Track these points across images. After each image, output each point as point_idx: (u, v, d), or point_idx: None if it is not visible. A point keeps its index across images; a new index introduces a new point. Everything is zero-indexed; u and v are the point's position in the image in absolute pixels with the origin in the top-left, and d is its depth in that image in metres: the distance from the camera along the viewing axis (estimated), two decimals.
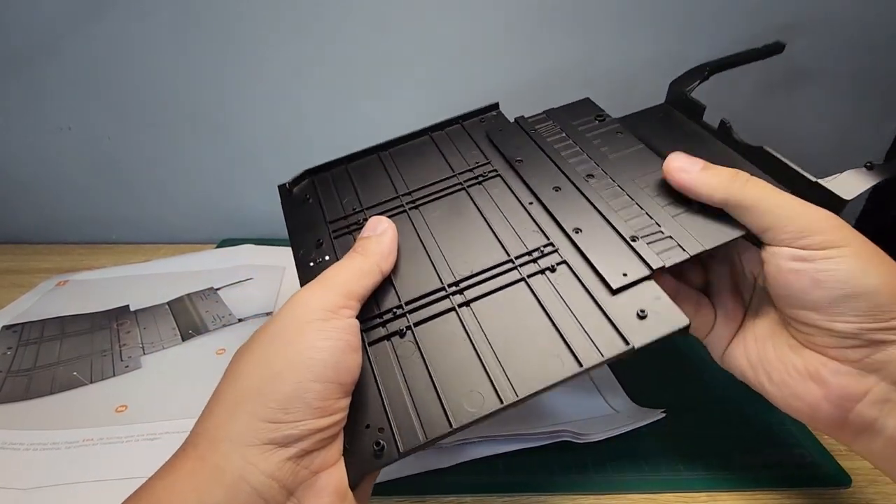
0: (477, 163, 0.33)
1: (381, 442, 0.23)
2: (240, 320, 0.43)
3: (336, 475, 0.22)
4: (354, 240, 0.30)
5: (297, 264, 0.31)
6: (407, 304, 0.26)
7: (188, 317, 0.44)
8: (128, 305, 0.46)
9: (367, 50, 0.49)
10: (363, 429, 0.23)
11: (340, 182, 0.34)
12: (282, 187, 0.35)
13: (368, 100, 0.51)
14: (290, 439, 0.20)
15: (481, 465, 0.32)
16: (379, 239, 0.28)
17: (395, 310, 0.26)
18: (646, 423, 0.34)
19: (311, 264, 0.30)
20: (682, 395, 0.36)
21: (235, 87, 0.51)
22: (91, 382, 0.37)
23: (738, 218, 0.26)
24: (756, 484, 0.31)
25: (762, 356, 0.27)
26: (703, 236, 0.27)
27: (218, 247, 0.57)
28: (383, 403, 0.24)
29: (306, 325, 0.22)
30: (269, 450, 0.20)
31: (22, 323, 0.43)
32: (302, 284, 0.29)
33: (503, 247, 0.28)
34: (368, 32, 0.48)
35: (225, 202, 0.59)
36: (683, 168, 0.28)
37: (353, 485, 0.22)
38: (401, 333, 0.26)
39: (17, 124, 0.53)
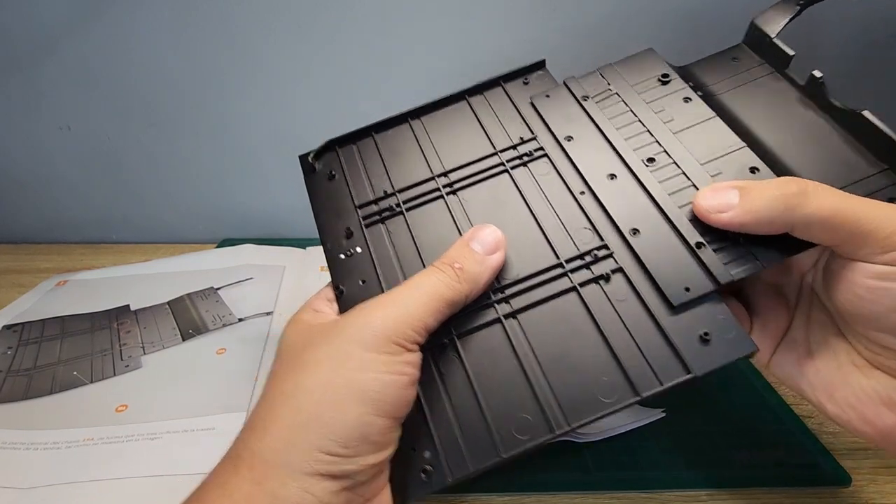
0: (521, 138, 0.29)
1: (429, 468, 0.21)
2: (240, 320, 0.43)
3: (385, 499, 0.22)
4: (388, 230, 0.28)
5: (326, 256, 0.28)
6: None
7: (188, 316, 0.44)
8: (128, 305, 0.46)
9: (367, 49, 0.49)
10: (409, 451, 0.22)
11: (368, 156, 0.31)
12: (303, 159, 0.32)
13: (368, 99, 0.51)
14: (347, 473, 0.20)
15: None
16: (485, 263, 0.24)
17: None
18: (646, 422, 0.33)
19: (342, 256, 0.27)
20: (682, 394, 0.36)
21: (235, 87, 0.51)
22: (91, 382, 0.37)
23: (802, 235, 0.22)
24: (756, 483, 0.31)
25: (821, 372, 0.24)
26: (779, 243, 0.23)
27: (218, 247, 0.57)
28: (428, 424, 0.22)
29: (374, 355, 0.21)
30: (327, 481, 0.20)
31: (22, 323, 0.43)
32: (334, 279, 0.27)
33: (552, 248, 0.25)
34: (368, 32, 0.48)
35: (225, 202, 0.59)
36: (717, 208, 0.23)
37: None
38: (442, 345, 0.24)
39: (16, 124, 0.53)
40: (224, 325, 0.43)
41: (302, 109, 0.52)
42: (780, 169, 0.25)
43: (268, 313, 0.44)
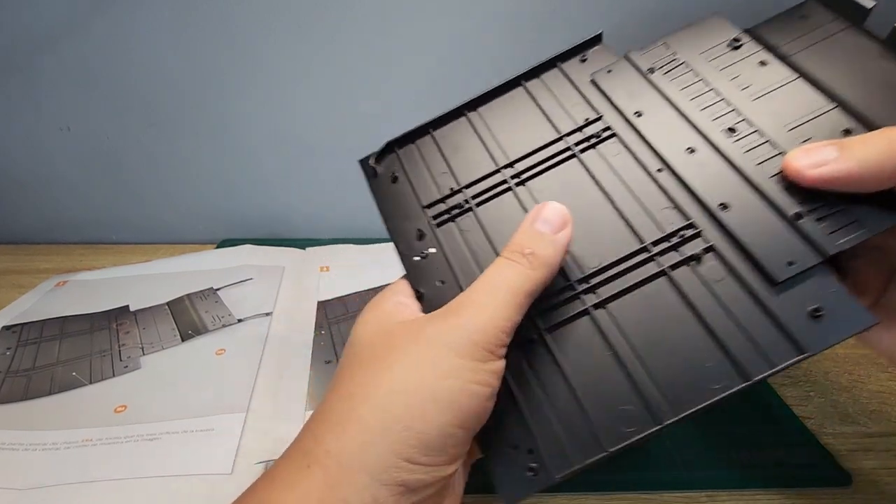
0: (586, 119, 0.28)
1: (534, 465, 0.21)
2: (239, 320, 0.43)
3: None
4: (460, 229, 0.27)
5: (401, 259, 0.27)
6: (532, 306, 0.22)
7: (188, 317, 0.44)
8: (127, 305, 0.46)
9: (367, 49, 0.49)
10: (510, 450, 0.21)
11: (428, 154, 0.30)
12: (364, 164, 0.31)
13: (368, 99, 0.51)
14: (420, 484, 0.19)
15: (480, 464, 0.32)
16: (555, 242, 0.22)
17: None
18: None
19: (416, 258, 0.27)
20: None
21: (235, 87, 0.51)
22: (90, 383, 0.37)
23: None
24: (756, 483, 0.31)
25: None
26: (885, 206, 0.21)
27: (218, 247, 0.57)
28: (527, 422, 0.21)
29: (464, 362, 0.20)
30: (399, 492, 0.19)
31: (21, 323, 0.43)
32: (412, 281, 0.26)
33: (634, 232, 0.24)
34: (368, 32, 0.48)
35: (225, 202, 0.59)
36: (813, 164, 0.21)
37: None
38: (531, 341, 0.23)
39: (16, 124, 0.53)
40: (223, 326, 0.43)
41: (302, 109, 0.52)
42: (871, 129, 0.23)
43: (267, 314, 0.44)
